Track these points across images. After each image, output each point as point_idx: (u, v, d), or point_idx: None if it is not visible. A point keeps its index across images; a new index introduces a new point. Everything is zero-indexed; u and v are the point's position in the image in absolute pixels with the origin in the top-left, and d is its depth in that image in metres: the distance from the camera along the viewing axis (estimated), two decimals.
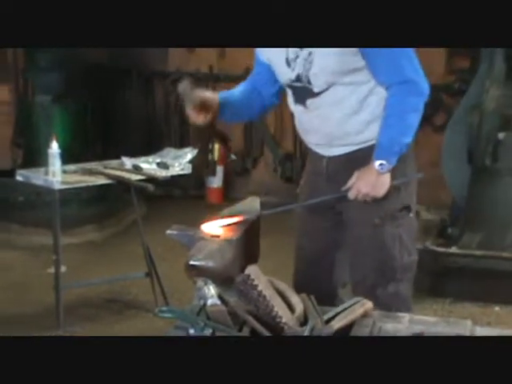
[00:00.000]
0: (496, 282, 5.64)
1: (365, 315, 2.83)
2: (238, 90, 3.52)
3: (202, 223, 3.14)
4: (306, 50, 3.16)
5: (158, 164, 5.36)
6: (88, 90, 7.72)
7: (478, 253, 5.75)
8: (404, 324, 2.83)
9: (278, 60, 3.31)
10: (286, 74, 3.29)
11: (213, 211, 3.56)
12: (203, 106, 3.25)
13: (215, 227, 3.05)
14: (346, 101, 3.21)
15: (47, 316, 5.09)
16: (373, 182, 3.15)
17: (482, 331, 2.76)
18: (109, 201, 7.09)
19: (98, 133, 7.89)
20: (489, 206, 5.91)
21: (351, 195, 3.19)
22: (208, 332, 2.53)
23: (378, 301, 2.90)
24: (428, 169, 7.52)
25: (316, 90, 3.22)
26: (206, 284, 2.71)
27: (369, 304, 2.88)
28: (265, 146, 7.97)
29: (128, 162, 5.36)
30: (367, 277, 3.31)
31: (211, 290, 2.68)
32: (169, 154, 5.57)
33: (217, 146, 8.18)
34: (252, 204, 3.61)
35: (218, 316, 2.60)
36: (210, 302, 2.64)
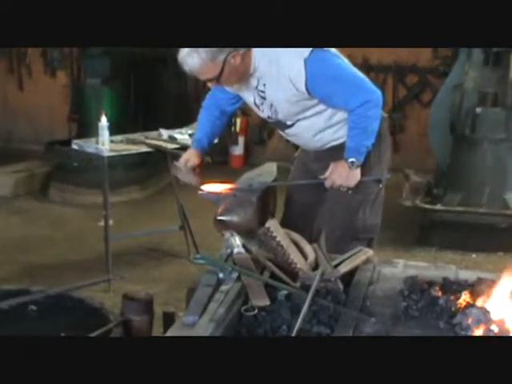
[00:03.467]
0: (473, 233, 5.65)
1: (367, 261, 2.80)
2: (205, 123, 3.56)
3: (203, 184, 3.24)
4: (268, 100, 3.15)
5: (190, 135, 5.30)
6: (131, 74, 7.70)
7: (458, 209, 5.76)
8: (399, 269, 2.79)
9: (247, 99, 3.30)
10: (257, 112, 3.30)
11: (235, 175, 3.54)
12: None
13: (213, 187, 3.17)
14: (315, 124, 3.22)
15: (98, 262, 5.08)
16: (346, 175, 3.14)
17: (463, 274, 2.74)
18: (149, 166, 7.05)
19: (139, 109, 7.88)
20: (468, 170, 5.88)
21: (327, 184, 3.18)
22: (234, 275, 2.51)
23: (340, 253, 2.86)
24: (417, 139, 7.55)
25: (288, 123, 3.24)
26: (232, 235, 2.70)
27: (370, 252, 2.84)
28: None
29: (165, 133, 5.33)
30: (334, 231, 3.28)
31: (237, 241, 2.67)
32: None
33: (239, 120, 8.11)
34: (269, 168, 3.58)
35: (243, 262, 2.58)
36: (235, 250, 2.63)
